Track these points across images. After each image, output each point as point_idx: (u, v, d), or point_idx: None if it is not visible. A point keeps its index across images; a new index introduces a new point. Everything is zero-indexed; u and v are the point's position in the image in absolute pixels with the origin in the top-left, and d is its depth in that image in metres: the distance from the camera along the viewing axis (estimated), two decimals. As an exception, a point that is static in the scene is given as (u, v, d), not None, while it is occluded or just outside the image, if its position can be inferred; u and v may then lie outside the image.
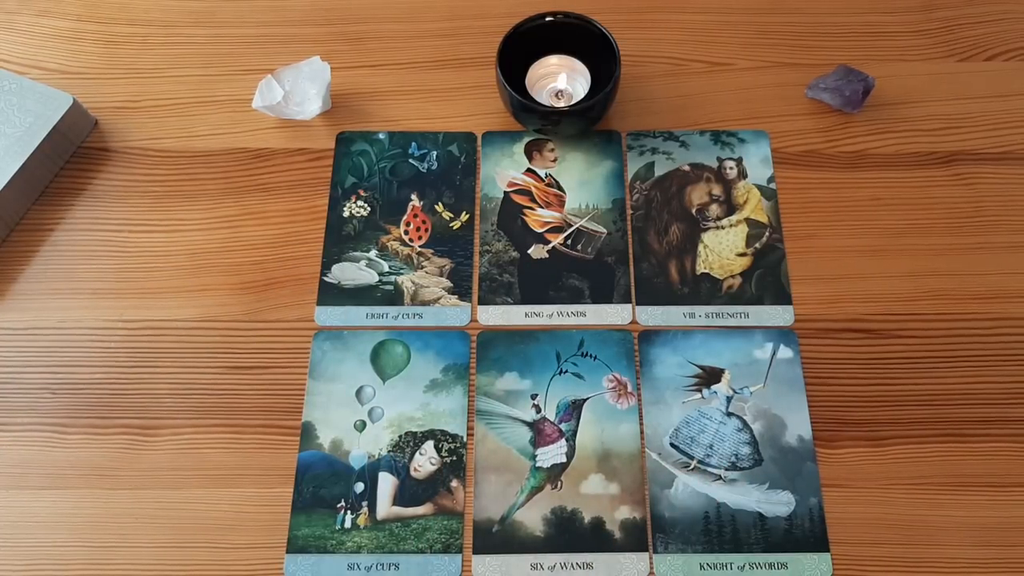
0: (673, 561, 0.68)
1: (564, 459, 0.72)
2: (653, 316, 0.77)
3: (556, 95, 0.85)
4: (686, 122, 0.87)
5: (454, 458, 0.72)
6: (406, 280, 0.79)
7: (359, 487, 0.71)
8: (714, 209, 0.82)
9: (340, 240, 0.81)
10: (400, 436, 0.72)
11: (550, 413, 0.73)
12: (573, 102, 0.84)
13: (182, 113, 0.87)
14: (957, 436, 0.73)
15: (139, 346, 0.76)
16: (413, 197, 0.83)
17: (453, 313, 0.78)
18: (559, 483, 0.71)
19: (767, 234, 0.81)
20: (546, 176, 0.84)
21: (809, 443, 0.72)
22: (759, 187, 0.83)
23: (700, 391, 0.74)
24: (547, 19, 0.82)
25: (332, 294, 0.78)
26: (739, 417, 0.73)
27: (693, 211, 0.82)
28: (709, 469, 0.71)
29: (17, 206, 0.80)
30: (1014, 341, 0.76)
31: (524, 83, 0.85)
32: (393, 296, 0.78)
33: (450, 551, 0.69)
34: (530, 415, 0.73)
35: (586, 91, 0.85)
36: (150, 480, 0.71)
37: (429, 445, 0.72)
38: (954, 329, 0.76)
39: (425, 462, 0.71)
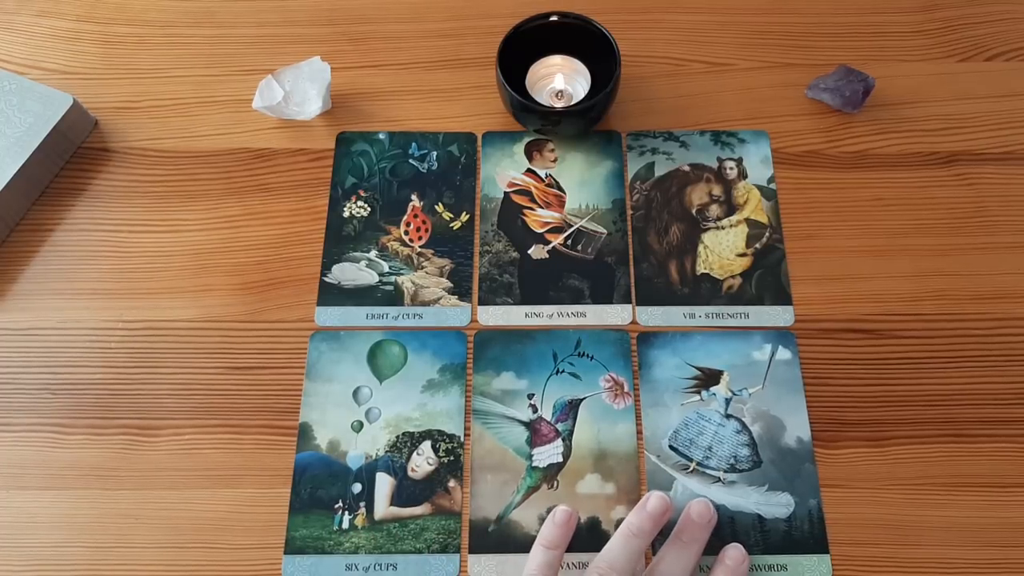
0: (672, 562, 0.68)
1: (560, 459, 0.71)
2: (653, 316, 0.77)
3: (556, 95, 0.85)
4: (686, 122, 0.86)
5: (451, 458, 0.72)
6: (406, 280, 0.79)
7: (356, 488, 0.71)
8: (714, 209, 0.82)
9: (340, 240, 0.81)
10: (397, 436, 0.72)
11: (546, 413, 0.73)
12: (573, 102, 0.84)
13: (183, 113, 0.87)
14: (958, 437, 0.72)
15: (139, 346, 0.76)
16: (413, 197, 0.83)
17: (453, 313, 0.78)
18: (555, 483, 0.71)
19: (767, 234, 0.81)
20: (546, 176, 0.84)
21: (808, 444, 0.72)
22: (759, 187, 0.83)
23: (699, 393, 0.74)
24: (547, 19, 0.82)
25: (332, 295, 0.78)
26: (738, 419, 0.73)
27: (693, 211, 0.82)
28: (708, 471, 0.71)
29: (17, 206, 0.81)
30: (1016, 342, 0.76)
31: (524, 83, 0.84)
32: (393, 296, 0.78)
33: (448, 551, 0.69)
34: (527, 415, 0.73)
35: (586, 91, 0.84)
36: (150, 480, 0.71)
37: (426, 445, 0.72)
38: (955, 329, 0.76)
39: (423, 462, 0.71)
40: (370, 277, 0.79)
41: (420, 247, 0.81)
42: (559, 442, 0.72)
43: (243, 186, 0.83)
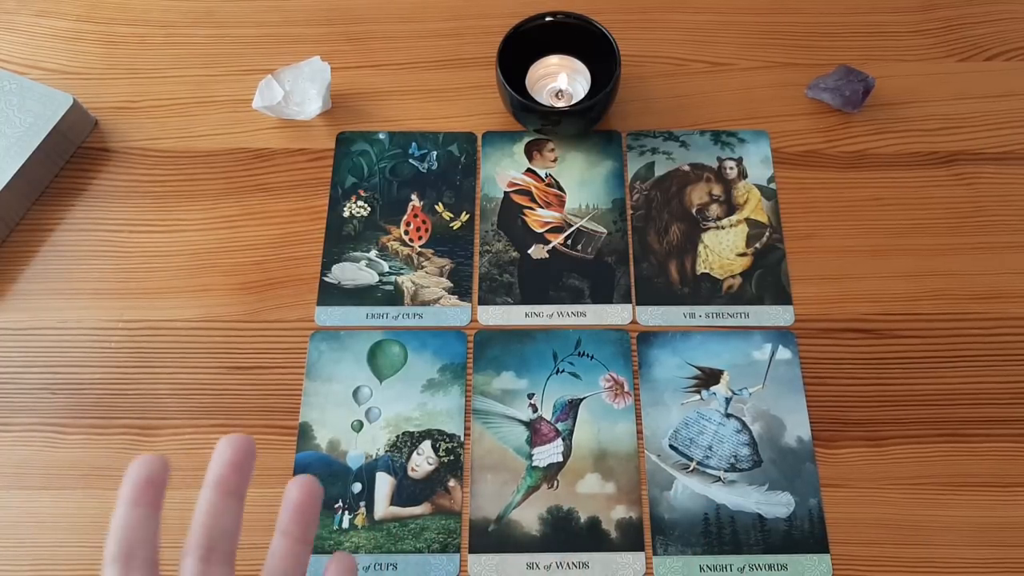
0: (673, 563, 0.68)
1: (560, 458, 0.71)
2: (653, 316, 0.77)
3: (556, 95, 0.85)
4: (686, 122, 0.86)
5: (451, 458, 0.72)
6: (406, 280, 0.79)
7: (356, 487, 0.71)
8: (714, 209, 0.82)
9: (340, 240, 0.81)
10: (397, 436, 0.72)
11: (547, 412, 0.73)
12: (573, 102, 0.84)
13: (182, 113, 0.87)
14: (957, 436, 0.72)
15: (139, 346, 0.76)
16: (413, 197, 0.83)
17: (453, 313, 0.78)
18: (555, 482, 0.71)
19: (767, 234, 0.81)
20: (546, 176, 0.84)
21: (808, 444, 0.72)
22: (759, 187, 0.83)
23: (699, 392, 0.74)
24: (547, 19, 0.82)
25: (332, 294, 0.78)
26: (738, 418, 0.73)
27: (693, 211, 0.82)
28: (708, 471, 0.71)
29: (17, 206, 0.80)
30: (1014, 341, 0.76)
31: (524, 83, 0.84)
32: (393, 296, 0.78)
33: (448, 551, 0.69)
34: (527, 414, 0.73)
35: (586, 91, 0.84)
36: (150, 480, 0.71)
37: (427, 445, 0.72)
38: (954, 329, 0.76)
39: (423, 462, 0.71)
40: (370, 277, 0.79)
41: (420, 247, 0.81)
42: (559, 442, 0.72)
43: (243, 186, 0.83)
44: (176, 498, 0.71)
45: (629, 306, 0.78)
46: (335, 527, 0.69)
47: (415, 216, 0.82)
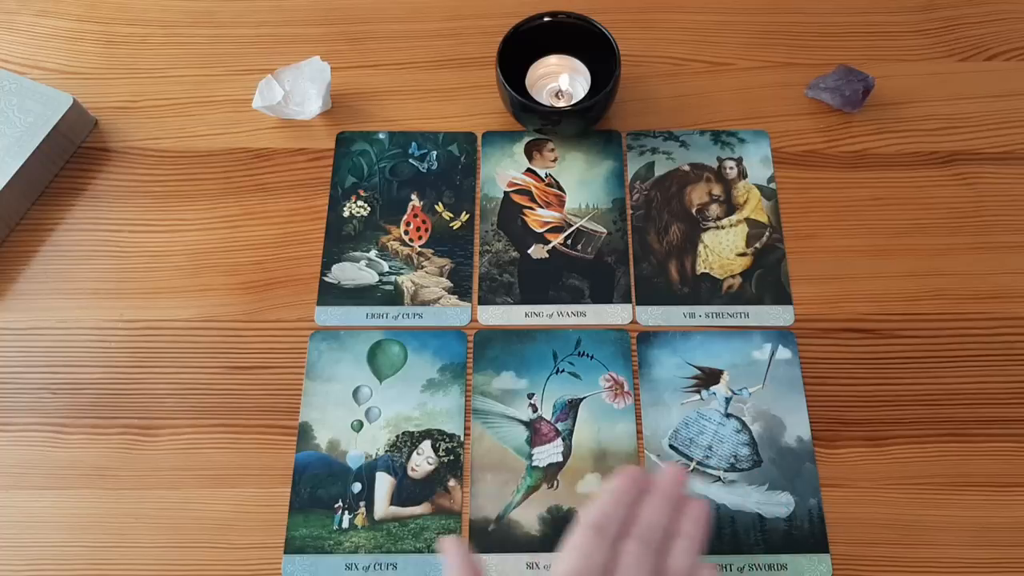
0: (672, 562, 0.68)
1: (560, 458, 0.71)
2: (653, 316, 0.77)
3: (556, 95, 0.85)
4: (686, 122, 0.86)
5: (451, 457, 0.72)
6: (406, 280, 0.79)
7: (356, 487, 0.71)
8: (714, 209, 0.82)
9: (340, 240, 0.81)
10: (397, 436, 0.72)
11: (546, 412, 0.73)
12: (573, 102, 0.84)
13: (182, 113, 0.87)
14: (957, 436, 0.72)
15: (139, 346, 0.76)
16: (413, 197, 0.83)
17: (453, 313, 0.78)
18: (555, 482, 0.71)
19: (767, 234, 0.81)
20: (546, 176, 0.84)
21: (808, 444, 0.72)
22: (759, 187, 0.83)
23: (699, 392, 0.74)
24: (547, 19, 0.82)
25: (332, 294, 0.78)
26: (738, 418, 0.73)
27: (693, 211, 0.82)
28: (708, 471, 0.71)
29: (17, 206, 0.81)
30: (1014, 341, 0.76)
31: (524, 83, 0.84)
32: (393, 296, 0.78)
33: (448, 551, 0.69)
34: (527, 414, 0.73)
35: (586, 91, 0.84)
36: (150, 480, 0.71)
37: (426, 445, 0.72)
38: (954, 329, 0.76)
39: (423, 462, 0.71)
40: (370, 277, 0.79)
41: (420, 247, 0.81)
42: (559, 441, 0.72)
43: (242, 186, 0.83)
44: (176, 498, 0.71)
45: (629, 306, 0.78)
46: (335, 527, 0.69)
47: (415, 216, 0.82)
